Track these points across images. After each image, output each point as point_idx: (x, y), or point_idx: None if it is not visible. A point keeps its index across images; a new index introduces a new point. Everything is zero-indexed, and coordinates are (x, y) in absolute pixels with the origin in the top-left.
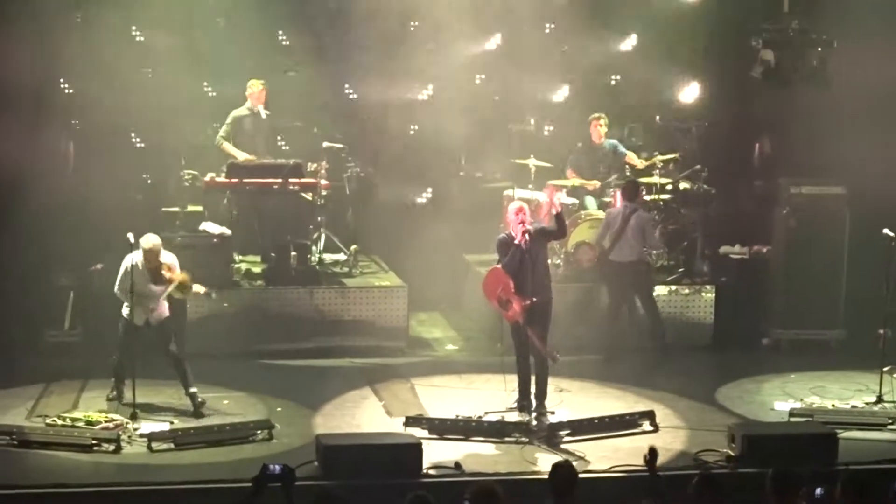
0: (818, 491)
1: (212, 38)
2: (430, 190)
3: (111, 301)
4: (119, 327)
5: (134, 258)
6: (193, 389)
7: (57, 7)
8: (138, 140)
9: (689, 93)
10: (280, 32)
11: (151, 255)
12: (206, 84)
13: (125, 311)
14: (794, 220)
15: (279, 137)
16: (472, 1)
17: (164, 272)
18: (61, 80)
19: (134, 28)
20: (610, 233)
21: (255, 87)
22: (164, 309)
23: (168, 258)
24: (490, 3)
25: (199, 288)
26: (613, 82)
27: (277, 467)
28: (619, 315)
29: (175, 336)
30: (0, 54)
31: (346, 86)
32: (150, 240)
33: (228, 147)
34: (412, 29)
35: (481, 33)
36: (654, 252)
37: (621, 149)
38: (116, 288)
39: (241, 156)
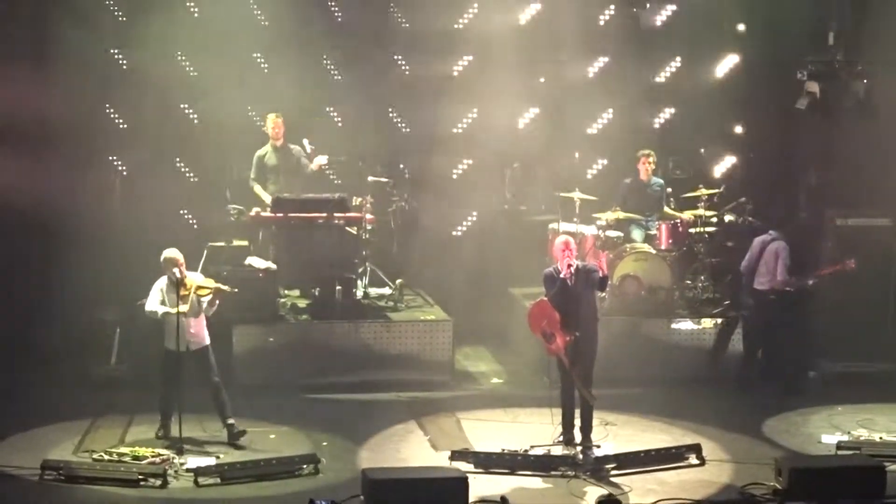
0: None
1: (258, 71)
2: (475, 223)
3: (157, 336)
4: (162, 361)
5: (161, 281)
6: (232, 420)
7: (100, 44)
8: (187, 170)
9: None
10: (327, 61)
11: (171, 267)
12: (253, 115)
13: (166, 342)
14: (853, 261)
15: (328, 171)
16: (522, 35)
17: (185, 281)
18: (109, 112)
19: (180, 56)
20: (749, 260)
21: (269, 122)
22: (205, 335)
23: (195, 277)
24: (538, 37)
25: (219, 285)
26: (660, 119)
27: (324, 502)
28: (751, 346)
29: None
30: (47, 91)
31: (394, 117)
32: (169, 252)
33: (258, 190)
34: (462, 63)
35: (529, 67)
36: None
37: (668, 190)
38: (147, 306)
39: (267, 198)
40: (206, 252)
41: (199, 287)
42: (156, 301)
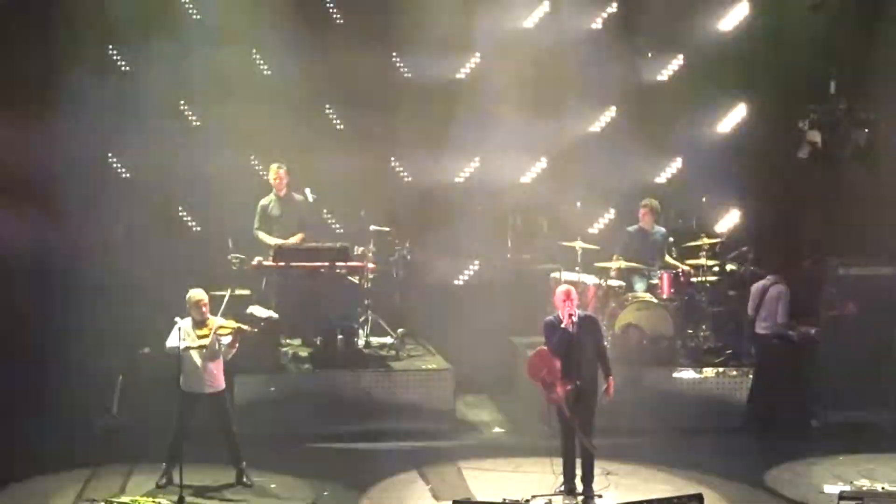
0: None
1: (259, 118)
2: (477, 272)
3: (159, 385)
4: (176, 403)
5: (183, 321)
6: (244, 465)
7: (104, 93)
8: (190, 220)
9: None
10: (328, 110)
11: (196, 307)
12: (255, 164)
13: (183, 383)
14: (855, 306)
15: (330, 218)
16: (521, 85)
17: (207, 322)
18: (112, 162)
19: (183, 106)
20: (752, 307)
21: (271, 172)
22: (222, 380)
23: (216, 319)
24: (543, 90)
25: (240, 325)
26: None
27: None
28: (762, 389)
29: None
30: (50, 140)
31: (396, 166)
32: (194, 292)
33: (263, 237)
34: (461, 111)
35: (534, 119)
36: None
37: (670, 239)
38: (168, 342)
39: (273, 241)
40: (228, 294)
41: (220, 327)
42: (176, 339)
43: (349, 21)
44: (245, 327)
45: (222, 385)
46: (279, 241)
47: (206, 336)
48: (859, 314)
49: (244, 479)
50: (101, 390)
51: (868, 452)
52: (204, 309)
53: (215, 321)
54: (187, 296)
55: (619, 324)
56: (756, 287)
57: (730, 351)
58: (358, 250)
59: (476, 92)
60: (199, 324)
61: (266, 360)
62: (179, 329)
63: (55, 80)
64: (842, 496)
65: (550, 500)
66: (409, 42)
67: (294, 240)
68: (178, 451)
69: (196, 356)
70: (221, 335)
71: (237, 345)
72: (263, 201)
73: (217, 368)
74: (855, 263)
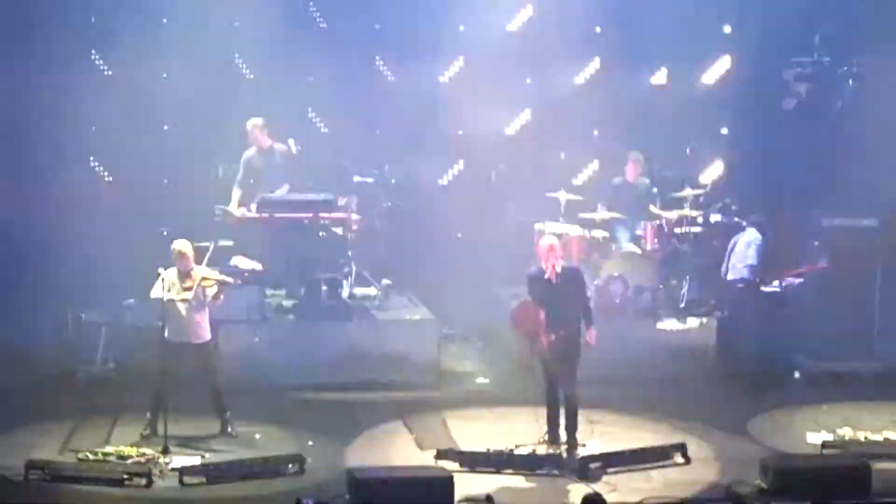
0: None
1: (240, 76)
2: (461, 223)
3: (143, 336)
4: (159, 355)
5: (168, 272)
6: (229, 414)
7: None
8: (166, 180)
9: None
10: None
11: (180, 258)
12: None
13: (167, 333)
14: (826, 262)
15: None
16: (512, 41)
17: (191, 272)
18: (90, 117)
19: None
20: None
21: (249, 127)
22: (207, 330)
23: (200, 269)
24: (525, 40)
25: (223, 277)
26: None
27: (311, 502)
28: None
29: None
30: (30, 97)
31: (379, 119)
32: (178, 243)
33: (234, 193)
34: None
35: (518, 71)
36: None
37: (654, 191)
38: (152, 293)
39: (233, 207)
40: (212, 246)
41: (204, 278)
42: (160, 289)
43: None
44: (228, 279)
45: (207, 336)
46: (237, 208)
47: (190, 288)
48: (843, 264)
49: (228, 430)
50: (85, 342)
51: (850, 402)
52: (187, 260)
53: (199, 272)
54: (172, 246)
55: (603, 275)
56: (733, 240)
57: (713, 301)
58: (342, 201)
59: (462, 45)
60: (184, 275)
61: (250, 311)
62: (164, 280)
63: (31, 34)
64: (824, 445)
65: (534, 450)
66: None
67: (280, 191)
68: (161, 402)
69: (181, 307)
70: (205, 286)
71: (222, 296)
72: (246, 154)
73: (202, 319)
74: (837, 215)
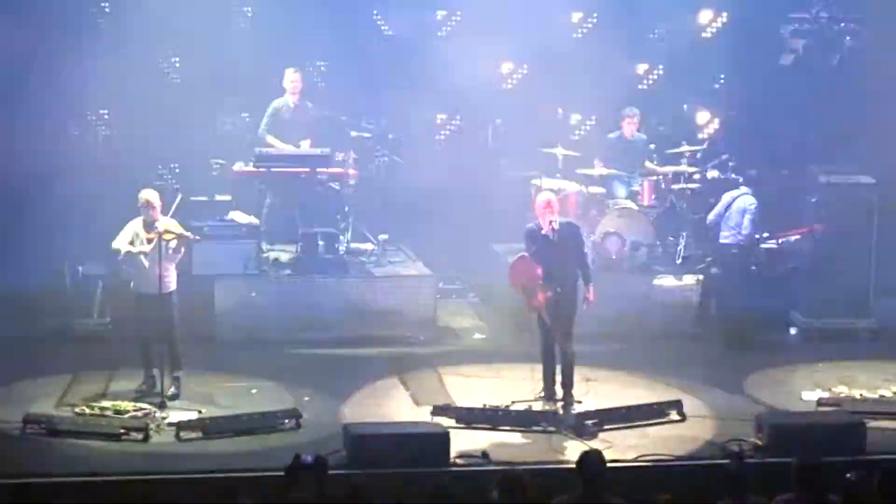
0: (848, 475)
1: (241, 27)
2: (458, 178)
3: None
4: (135, 308)
5: (135, 221)
6: (179, 375)
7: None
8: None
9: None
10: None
11: (145, 207)
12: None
13: (136, 285)
14: (821, 226)
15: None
16: None
17: (155, 224)
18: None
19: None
20: (717, 214)
21: (287, 76)
22: (170, 281)
23: (165, 221)
24: None
25: (183, 231)
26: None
27: (310, 457)
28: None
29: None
30: (28, 52)
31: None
32: (144, 192)
33: (272, 139)
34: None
35: (515, 24)
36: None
37: (651, 146)
38: (113, 243)
39: (281, 146)
40: (178, 198)
41: (166, 231)
42: (124, 240)
43: None
44: (188, 234)
45: (171, 286)
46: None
47: (152, 239)
48: (840, 221)
49: (172, 389)
50: (82, 295)
51: (846, 360)
52: (154, 210)
53: (163, 223)
54: (139, 194)
55: (599, 231)
56: (725, 196)
57: (710, 258)
58: (339, 156)
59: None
60: (149, 225)
61: (247, 265)
62: (130, 230)
63: None
64: (820, 402)
65: (530, 406)
66: None
67: (304, 145)
68: (150, 356)
69: (143, 259)
70: (167, 239)
71: (182, 250)
72: (276, 103)
73: (166, 270)
74: (835, 172)
